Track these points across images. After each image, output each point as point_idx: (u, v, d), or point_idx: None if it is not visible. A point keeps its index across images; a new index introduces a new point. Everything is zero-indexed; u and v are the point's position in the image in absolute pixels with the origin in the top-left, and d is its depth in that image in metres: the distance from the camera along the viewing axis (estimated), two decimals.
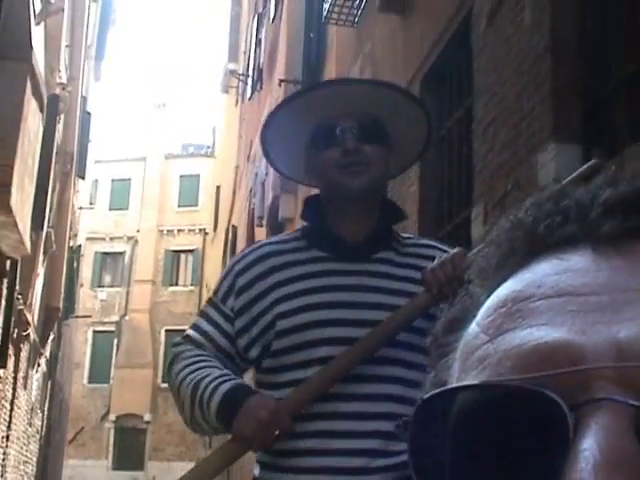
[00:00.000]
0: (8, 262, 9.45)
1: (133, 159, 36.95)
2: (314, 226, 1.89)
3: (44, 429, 16.96)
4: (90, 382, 33.87)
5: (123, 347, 33.96)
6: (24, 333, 11.74)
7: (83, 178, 18.66)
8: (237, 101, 21.80)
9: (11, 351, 10.61)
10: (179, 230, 35.64)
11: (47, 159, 10.53)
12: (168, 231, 35.76)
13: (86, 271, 31.93)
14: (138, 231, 35.51)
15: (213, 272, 23.79)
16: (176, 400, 1.81)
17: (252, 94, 16.66)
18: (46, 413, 17.16)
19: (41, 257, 12.22)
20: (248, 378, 1.97)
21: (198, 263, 34.07)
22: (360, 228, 1.84)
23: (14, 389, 11.66)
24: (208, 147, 36.74)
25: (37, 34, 8.78)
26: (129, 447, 32.75)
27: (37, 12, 8.86)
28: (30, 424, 14.42)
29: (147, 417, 33.09)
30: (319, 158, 1.84)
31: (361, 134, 1.81)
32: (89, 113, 18.54)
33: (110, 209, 36.06)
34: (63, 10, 11.73)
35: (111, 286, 35.42)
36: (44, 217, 10.82)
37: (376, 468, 1.69)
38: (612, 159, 3.19)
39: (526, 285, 0.42)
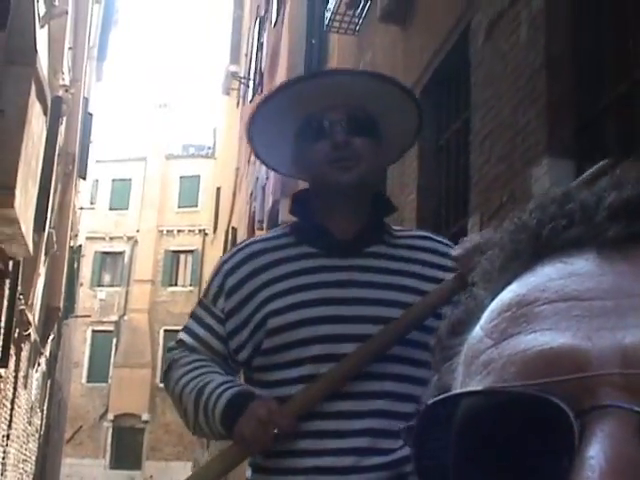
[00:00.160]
0: (11, 263, 9.52)
1: (134, 159, 36.87)
2: (303, 222, 1.84)
3: (43, 428, 16.98)
4: (89, 381, 33.83)
5: (122, 347, 33.90)
6: (25, 333, 11.79)
7: (84, 178, 18.64)
8: (238, 103, 21.80)
9: (12, 351, 10.64)
10: (179, 230, 35.59)
11: (50, 161, 10.58)
12: (168, 231, 35.73)
13: (85, 270, 31.89)
14: (138, 231, 35.46)
15: None
16: (177, 406, 1.79)
17: (253, 97, 16.71)
18: (45, 412, 17.20)
19: (42, 257, 12.25)
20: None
21: (197, 264, 34.01)
22: (351, 223, 1.79)
23: (15, 388, 11.70)
24: (209, 148, 36.63)
25: (41, 37, 8.82)
26: (127, 446, 32.69)
27: (41, 15, 8.94)
28: (30, 423, 14.47)
29: (145, 417, 33.03)
30: (308, 151, 1.79)
31: (350, 127, 1.75)
32: (91, 114, 18.56)
33: (110, 209, 36.01)
34: (67, 12, 11.77)
35: (110, 286, 35.38)
36: (46, 218, 10.84)
37: (367, 467, 1.66)
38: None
39: (530, 289, 0.42)
